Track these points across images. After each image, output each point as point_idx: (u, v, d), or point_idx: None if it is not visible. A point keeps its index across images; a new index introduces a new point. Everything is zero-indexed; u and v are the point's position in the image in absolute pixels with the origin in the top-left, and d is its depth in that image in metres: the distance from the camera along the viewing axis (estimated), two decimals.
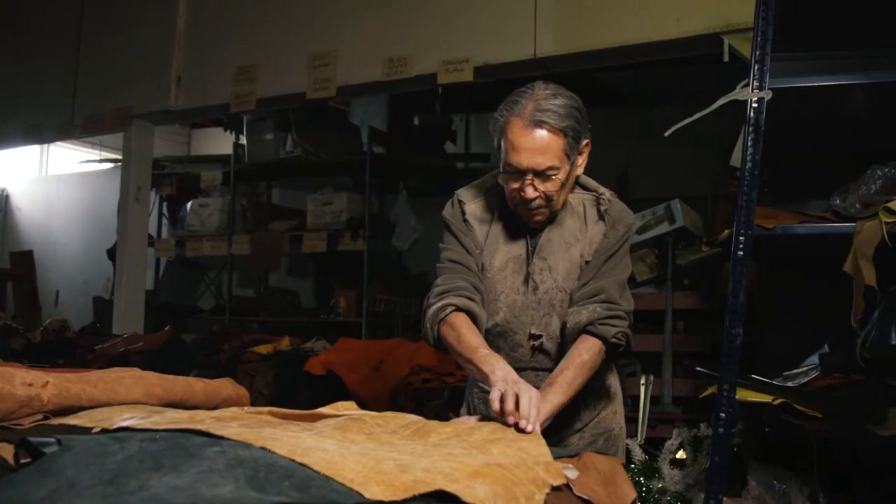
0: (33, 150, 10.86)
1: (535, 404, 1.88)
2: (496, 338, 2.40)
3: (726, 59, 3.80)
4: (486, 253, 2.41)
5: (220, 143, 9.29)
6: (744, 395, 2.78)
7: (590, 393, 2.41)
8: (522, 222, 2.37)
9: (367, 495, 1.20)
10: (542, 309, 2.35)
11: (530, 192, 2.21)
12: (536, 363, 2.40)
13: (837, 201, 2.95)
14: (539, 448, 1.69)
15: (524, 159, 2.18)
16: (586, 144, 2.29)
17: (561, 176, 2.20)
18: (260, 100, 5.46)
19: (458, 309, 2.25)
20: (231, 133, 8.14)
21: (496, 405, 1.90)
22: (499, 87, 5.38)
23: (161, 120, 6.34)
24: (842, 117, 3.13)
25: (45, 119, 6.64)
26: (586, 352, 2.23)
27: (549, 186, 2.21)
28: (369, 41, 4.95)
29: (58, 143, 10.25)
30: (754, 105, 2.73)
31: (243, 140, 7.67)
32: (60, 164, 10.99)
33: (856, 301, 2.68)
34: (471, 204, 2.45)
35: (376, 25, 4.94)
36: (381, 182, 7.78)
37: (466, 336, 2.20)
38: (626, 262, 2.41)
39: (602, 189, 2.41)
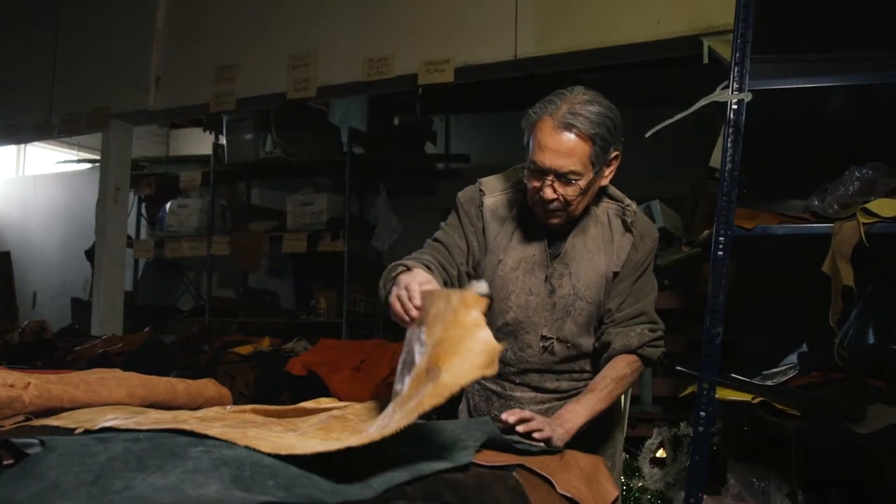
0: (10, 150, 10.76)
1: (412, 286, 1.86)
2: (506, 336, 2.40)
3: (706, 60, 3.82)
4: (497, 250, 2.39)
5: (199, 143, 9.25)
6: (723, 393, 2.80)
7: None
8: (541, 224, 2.36)
9: None
10: (557, 313, 2.36)
11: (549, 194, 2.21)
12: (543, 365, 2.40)
13: (816, 202, 2.97)
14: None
15: (548, 159, 2.18)
16: (616, 157, 2.29)
17: (582, 182, 2.20)
18: (240, 100, 5.44)
19: (409, 269, 2.21)
20: (211, 133, 8.11)
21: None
22: (479, 87, 5.41)
23: (140, 120, 6.30)
24: (820, 119, 3.16)
25: (22, 119, 6.59)
26: (629, 367, 2.32)
27: (569, 191, 2.20)
28: (350, 41, 4.95)
29: (35, 144, 10.16)
30: (734, 106, 2.75)
31: (223, 140, 7.63)
32: (38, 165, 10.90)
33: (834, 301, 2.70)
34: (491, 197, 2.44)
35: (357, 26, 4.94)
36: (361, 182, 7.77)
37: None
38: (654, 278, 2.46)
39: (628, 200, 2.41)
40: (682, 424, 3.80)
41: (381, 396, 4.31)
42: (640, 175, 5.97)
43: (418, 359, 1.60)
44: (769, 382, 2.99)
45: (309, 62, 5.08)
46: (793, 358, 3.14)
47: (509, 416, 1.98)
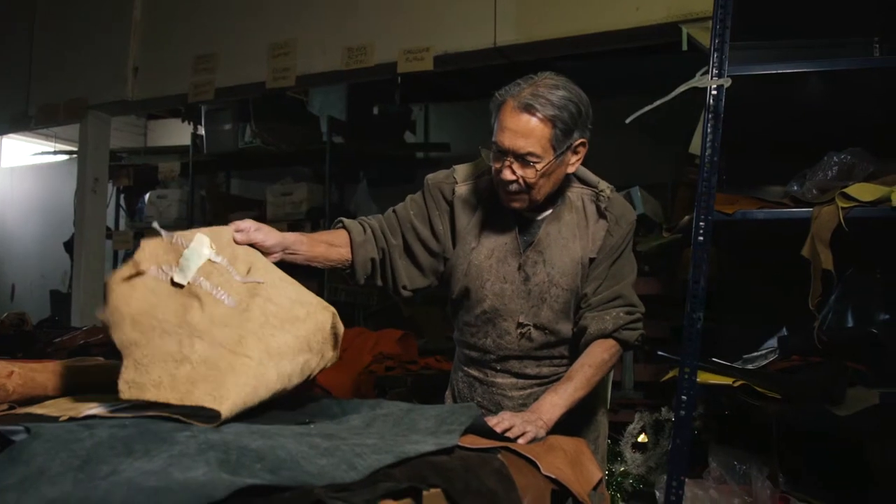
0: None
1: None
2: (484, 324, 2.40)
3: (685, 48, 3.83)
4: (469, 237, 2.39)
5: (177, 134, 9.18)
6: (704, 377, 2.83)
7: None
8: (512, 211, 2.36)
9: None
10: (532, 300, 2.35)
11: (508, 175, 2.21)
12: (522, 351, 2.40)
13: (795, 187, 3.00)
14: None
15: (507, 140, 2.18)
16: (581, 143, 2.27)
17: (541, 165, 2.18)
18: (219, 89, 5.40)
19: (345, 227, 2.31)
20: (189, 124, 8.05)
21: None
22: (458, 76, 5.41)
23: (118, 110, 6.25)
24: (799, 105, 3.18)
25: None
26: (606, 352, 2.30)
27: (528, 173, 2.19)
28: (329, 30, 4.92)
29: (11, 136, 10.07)
30: (713, 92, 2.77)
31: (201, 131, 7.59)
32: (14, 157, 10.80)
33: (813, 285, 2.73)
34: (463, 185, 2.44)
35: (336, 14, 4.92)
36: (341, 172, 7.74)
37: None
38: (633, 260, 2.44)
39: (602, 185, 2.40)
40: (663, 409, 3.83)
41: (363, 387, 4.33)
42: (620, 162, 6.02)
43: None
44: (750, 366, 3.02)
45: (288, 51, 5.05)
46: (773, 342, 3.17)
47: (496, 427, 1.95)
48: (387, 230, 2.37)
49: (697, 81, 2.76)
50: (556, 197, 2.36)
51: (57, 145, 9.67)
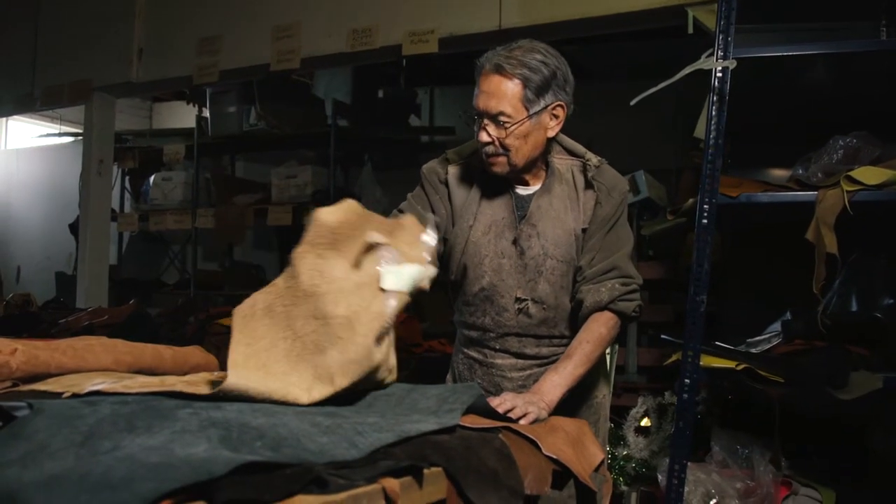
0: None
1: None
2: (483, 301, 2.41)
3: (691, 30, 3.81)
4: (465, 216, 2.40)
5: (182, 116, 9.18)
6: (708, 361, 2.83)
7: None
8: (506, 186, 2.38)
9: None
10: (529, 274, 2.35)
11: (483, 136, 2.24)
12: (521, 328, 2.40)
13: (800, 171, 2.99)
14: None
15: (481, 102, 2.22)
16: (559, 106, 2.27)
17: (513, 125, 2.21)
18: (223, 71, 5.40)
19: None
20: (194, 106, 8.04)
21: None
22: (463, 59, 5.39)
23: (123, 92, 6.25)
24: (804, 88, 3.17)
25: (3, 92, 6.53)
26: (604, 325, 2.28)
27: (501, 133, 2.22)
28: (334, 12, 4.91)
29: (16, 117, 10.08)
30: (718, 74, 2.77)
31: (206, 113, 7.58)
32: (19, 139, 10.81)
33: (817, 268, 2.72)
34: (455, 165, 2.46)
35: None
36: (346, 155, 7.73)
37: None
38: (628, 231, 2.42)
39: (589, 154, 2.40)
40: (666, 393, 3.84)
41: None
42: (625, 146, 6.02)
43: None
44: (753, 350, 3.02)
45: (293, 33, 5.04)
46: (776, 326, 3.17)
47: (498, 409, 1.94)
48: None
49: (702, 63, 2.76)
50: (535, 165, 2.36)
51: (62, 127, 9.67)
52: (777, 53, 2.78)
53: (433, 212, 2.41)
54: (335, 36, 4.87)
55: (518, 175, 2.36)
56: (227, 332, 4.69)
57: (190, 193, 7.51)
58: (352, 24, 4.80)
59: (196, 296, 7.12)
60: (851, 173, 2.74)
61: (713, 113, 2.78)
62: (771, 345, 3.05)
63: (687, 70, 2.73)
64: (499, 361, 2.45)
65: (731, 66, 2.72)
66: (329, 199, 6.60)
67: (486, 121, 2.24)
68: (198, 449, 1.13)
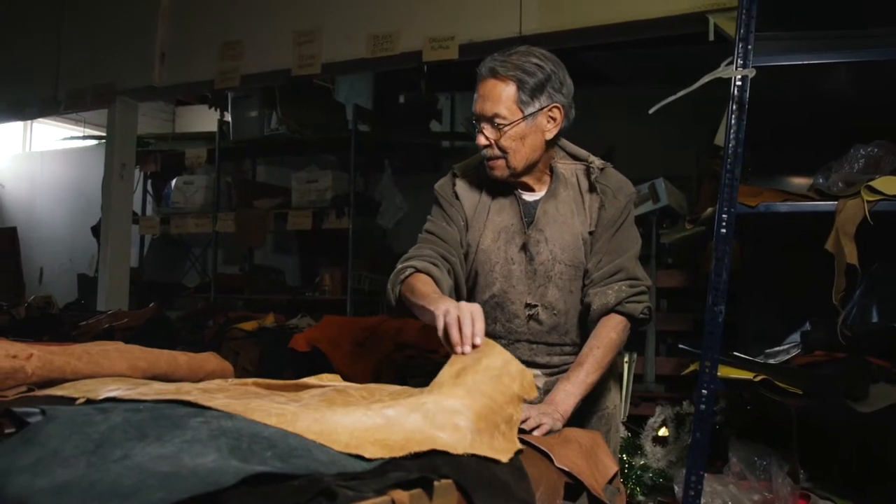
0: (17, 126, 10.78)
1: (476, 317, 1.83)
2: (493, 309, 2.41)
3: (712, 37, 3.80)
4: (475, 225, 2.42)
5: (205, 120, 9.23)
6: (725, 371, 2.81)
7: None
8: (513, 193, 2.39)
9: (367, 455, 1.25)
10: (538, 279, 2.36)
11: (481, 140, 2.28)
12: (532, 335, 2.40)
13: (821, 180, 2.97)
14: (502, 359, 1.70)
15: (477, 106, 2.27)
16: (555, 108, 2.29)
17: (509, 127, 2.23)
18: (245, 76, 5.43)
19: (418, 271, 2.28)
20: (216, 110, 8.09)
21: (443, 339, 1.86)
22: None
23: (145, 96, 6.29)
24: (825, 97, 3.14)
25: (28, 95, 6.59)
26: (613, 330, 2.28)
27: (498, 136, 2.25)
28: (354, 18, 4.92)
29: (42, 120, 10.17)
30: (738, 83, 2.75)
31: (228, 117, 7.63)
32: (44, 141, 10.90)
33: (837, 279, 2.70)
34: (463, 178, 2.49)
35: (361, 2, 4.92)
36: (366, 160, 7.75)
37: (421, 288, 2.20)
38: (635, 233, 2.43)
39: (592, 158, 2.41)
40: (684, 403, 3.82)
41: (384, 375, 4.34)
42: (645, 153, 6.01)
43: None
44: (772, 361, 2.99)
45: (314, 38, 5.06)
46: (796, 336, 3.14)
47: None
48: (444, 253, 2.39)
49: (722, 72, 2.74)
50: (536, 170, 2.38)
51: (86, 130, 9.76)
52: (797, 62, 2.76)
53: (455, 227, 2.44)
54: (355, 42, 4.89)
55: (522, 181, 2.38)
56: (244, 337, 4.74)
57: (211, 197, 7.56)
58: (372, 29, 4.82)
59: (216, 299, 7.16)
60: (872, 183, 2.71)
61: (732, 121, 2.76)
62: (790, 356, 3.03)
63: (706, 79, 2.72)
64: None
65: (751, 75, 2.70)
66: (349, 204, 6.63)
67: (483, 124, 2.27)
68: (206, 459, 1.13)
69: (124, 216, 6.33)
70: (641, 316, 2.31)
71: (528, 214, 2.38)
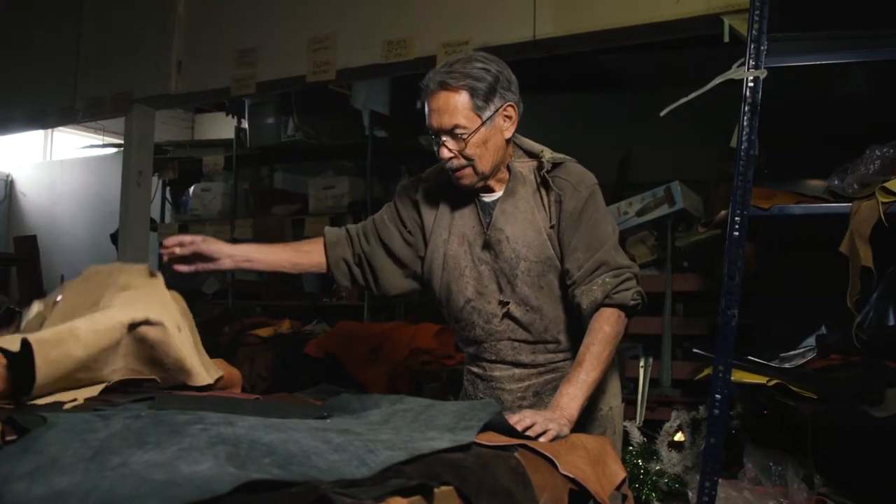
0: (37, 135, 10.87)
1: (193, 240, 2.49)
2: (470, 314, 2.43)
3: (726, 39, 3.76)
4: (441, 229, 2.45)
5: (223, 127, 9.28)
6: (739, 376, 2.78)
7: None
8: (471, 196, 2.42)
9: None
10: (506, 277, 2.37)
11: (444, 153, 2.28)
12: (512, 333, 2.40)
13: (835, 181, 2.94)
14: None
15: (434, 120, 2.27)
16: (509, 106, 2.30)
17: (471, 135, 2.24)
18: (260, 83, 5.43)
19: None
20: (233, 117, 8.13)
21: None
22: None
23: (162, 104, 6.31)
24: (840, 97, 3.12)
25: (46, 104, 6.63)
26: (606, 323, 2.25)
27: (462, 146, 2.26)
28: (369, 23, 4.93)
29: (61, 129, 10.25)
30: (750, 84, 2.73)
31: (245, 124, 7.65)
32: (64, 149, 10.99)
33: (852, 282, 2.67)
34: (426, 183, 2.53)
35: (375, 8, 4.92)
36: (383, 166, 7.75)
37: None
38: (609, 223, 2.40)
39: (546, 151, 2.41)
40: (700, 408, 3.79)
41: (399, 381, 4.35)
42: (661, 157, 5.98)
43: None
44: (787, 365, 2.97)
45: (328, 45, 5.06)
46: (811, 340, 3.11)
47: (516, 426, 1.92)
48: (362, 234, 2.53)
49: (733, 73, 2.72)
50: (499, 171, 2.39)
51: (105, 138, 9.82)
52: (810, 62, 2.74)
53: (403, 226, 2.53)
54: (370, 47, 4.88)
55: (483, 183, 2.39)
56: (260, 343, 4.75)
57: (229, 204, 7.59)
58: (386, 35, 4.81)
59: (233, 306, 7.18)
60: (887, 184, 2.68)
61: (745, 123, 2.74)
62: (806, 359, 3.00)
63: (717, 80, 2.70)
64: (497, 373, 2.46)
65: (762, 76, 2.68)
66: (366, 210, 6.63)
67: (443, 137, 2.27)
68: (203, 466, 1.13)
69: (142, 224, 6.35)
70: (632, 302, 2.28)
71: (488, 215, 2.40)
